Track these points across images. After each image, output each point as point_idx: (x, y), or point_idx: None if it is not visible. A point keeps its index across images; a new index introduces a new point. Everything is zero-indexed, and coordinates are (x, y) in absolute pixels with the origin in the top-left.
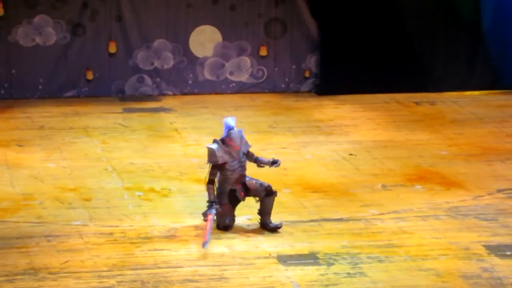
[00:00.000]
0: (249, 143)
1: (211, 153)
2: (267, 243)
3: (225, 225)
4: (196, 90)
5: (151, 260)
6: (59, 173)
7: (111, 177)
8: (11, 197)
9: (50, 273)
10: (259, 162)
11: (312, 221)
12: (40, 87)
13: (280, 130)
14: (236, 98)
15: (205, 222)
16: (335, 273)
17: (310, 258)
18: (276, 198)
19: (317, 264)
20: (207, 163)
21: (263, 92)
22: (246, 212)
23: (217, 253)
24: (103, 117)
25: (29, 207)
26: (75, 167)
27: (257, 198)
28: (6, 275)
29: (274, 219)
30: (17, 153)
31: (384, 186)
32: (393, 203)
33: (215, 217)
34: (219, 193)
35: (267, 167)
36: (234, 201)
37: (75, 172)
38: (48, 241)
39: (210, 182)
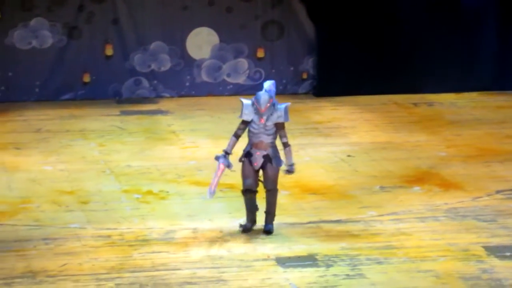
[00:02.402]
0: (289, 118)
1: (241, 108)
2: (265, 245)
3: (245, 187)
4: (193, 92)
5: (149, 263)
6: (56, 176)
7: (109, 180)
8: (9, 200)
9: (48, 276)
10: (284, 151)
11: (310, 222)
12: (37, 90)
13: None
14: (234, 100)
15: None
16: (334, 275)
17: (309, 260)
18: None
19: (316, 266)
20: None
21: None
22: (244, 214)
23: (216, 255)
24: (100, 120)
25: (27, 210)
26: (72, 170)
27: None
28: (4, 278)
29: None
30: (14, 156)
31: (382, 188)
32: (391, 204)
33: (225, 169)
34: (243, 150)
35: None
36: (251, 166)
37: (72, 175)
38: (46, 244)
39: (235, 135)
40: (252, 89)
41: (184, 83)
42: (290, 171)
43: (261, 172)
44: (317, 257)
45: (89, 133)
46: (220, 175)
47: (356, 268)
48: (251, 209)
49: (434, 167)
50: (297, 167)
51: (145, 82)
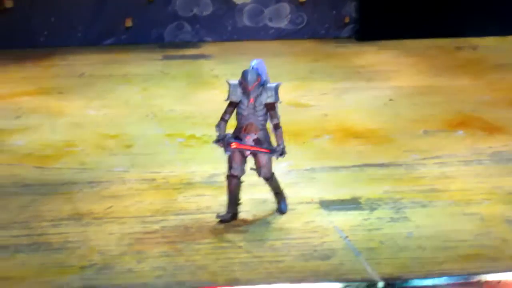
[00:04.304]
0: (279, 98)
1: (228, 89)
2: (309, 189)
3: (231, 172)
4: (235, 37)
5: (194, 206)
6: (100, 120)
7: (152, 124)
8: (54, 144)
9: (94, 218)
10: (275, 133)
11: (354, 166)
12: (79, 34)
13: (320, 77)
14: (275, 45)
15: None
16: (378, 218)
17: (353, 204)
18: (317, 144)
19: (360, 209)
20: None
21: (303, 39)
22: (287, 158)
23: (259, 199)
24: (143, 64)
25: (72, 154)
26: (115, 115)
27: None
28: (52, 220)
29: (315, 164)
30: (58, 101)
31: (425, 132)
32: (435, 148)
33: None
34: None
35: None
36: (240, 152)
37: (116, 119)
38: (92, 187)
39: (222, 119)
40: (293, 34)
41: (226, 27)
42: (282, 154)
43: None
44: (360, 200)
45: (132, 77)
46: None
47: (400, 211)
48: (233, 199)
49: (477, 111)
50: (339, 111)
51: (187, 27)
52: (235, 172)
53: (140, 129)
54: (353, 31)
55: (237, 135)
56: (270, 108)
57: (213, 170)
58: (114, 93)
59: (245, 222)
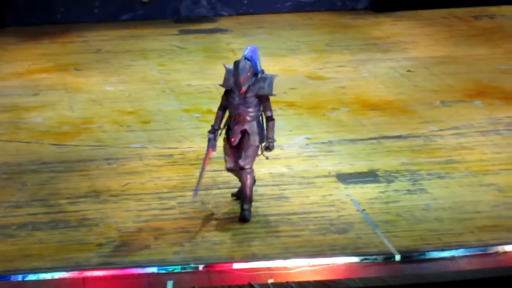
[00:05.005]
0: (273, 90)
1: (224, 75)
2: (326, 162)
3: (226, 168)
4: (251, 10)
5: (211, 181)
6: (117, 96)
7: (169, 99)
8: (71, 121)
9: (111, 195)
10: (267, 126)
11: (371, 139)
12: (96, 10)
13: (337, 49)
14: (292, 17)
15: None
16: (395, 190)
17: (370, 176)
18: (334, 117)
19: (377, 181)
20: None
21: (319, 11)
22: (304, 131)
23: (277, 172)
24: (159, 40)
25: (89, 130)
26: (133, 90)
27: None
28: (69, 198)
29: (332, 137)
30: (75, 77)
31: (443, 102)
32: (452, 119)
33: (212, 153)
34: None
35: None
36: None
37: (133, 95)
38: (109, 164)
39: (220, 108)
40: (310, 6)
41: (242, 1)
42: (269, 147)
43: None
44: (378, 173)
45: (148, 53)
46: (207, 163)
47: (417, 183)
48: (245, 194)
49: (495, 80)
50: (356, 83)
51: (203, 1)
52: (228, 168)
53: (157, 104)
54: (370, 2)
55: (228, 124)
56: (264, 100)
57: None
58: (130, 68)
59: (263, 196)
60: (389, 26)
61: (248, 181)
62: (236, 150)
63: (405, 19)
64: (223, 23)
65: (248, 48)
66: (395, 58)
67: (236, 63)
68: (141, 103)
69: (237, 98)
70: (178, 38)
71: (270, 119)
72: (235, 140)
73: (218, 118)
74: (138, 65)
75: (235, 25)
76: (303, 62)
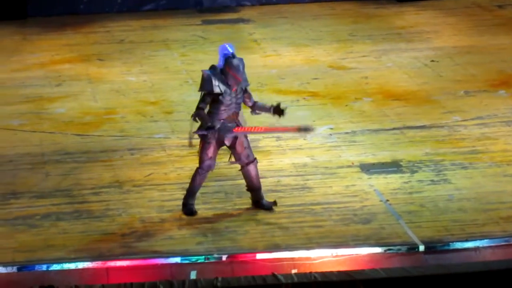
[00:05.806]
0: (249, 81)
1: (207, 79)
2: (349, 152)
3: (205, 168)
4: (274, 0)
5: (234, 172)
6: (140, 86)
7: (192, 90)
8: (94, 111)
9: (134, 185)
10: (256, 108)
11: (394, 129)
12: (119, 1)
13: (360, 38)
14: (315, 7)
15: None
16: (418, 181)
17: (393, 166)
18: (357, 107)
19: (401, 172)
20: (199, 91)
21: (342, 0)
22: (328, 122)
23: (300, 163)
24: (182, 30)
25: (112, 121)
26: (155, 81)
27: (239, 167)
28: (92, 188)
29: (356, 127)
30: (98, 67)
31: (466, 92)
32: (476, 109)
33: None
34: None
35: (267, 115)
36: (220, 143)
37: (156, 85)
38: (132, 154)
39: (201, 109)
40: None
41: None
42: (278, 109)
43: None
44: (401, 163)
45: (171, 43)
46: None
47: (441, 174)
48: (196, 190)
49: None
50: (379, 73)
51: None
52: (208, 167)
53: (180, 95)
54: None
55: (218, 126)
56: (246, 91)
57: (253, 135)
58: (153, 59)
59: (286, 186)
60: (412, 16)
61: (257, 172)
62: (217, 150)
63: (428, 9)
64: (245, 13)
65: (226, 44)
66: (418, 48)
67: (235, 62)
68: (163, 93)
69: (228, 98)
70: (201, 28)
71: (255, 101)
72: (230, 141)
73: (205, 116)
74: (160, 56)
75: (258, 15)
76: (326, 52)
